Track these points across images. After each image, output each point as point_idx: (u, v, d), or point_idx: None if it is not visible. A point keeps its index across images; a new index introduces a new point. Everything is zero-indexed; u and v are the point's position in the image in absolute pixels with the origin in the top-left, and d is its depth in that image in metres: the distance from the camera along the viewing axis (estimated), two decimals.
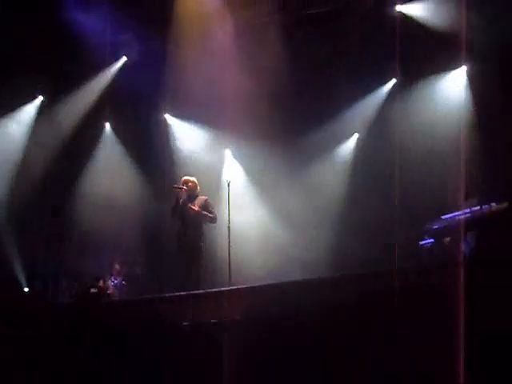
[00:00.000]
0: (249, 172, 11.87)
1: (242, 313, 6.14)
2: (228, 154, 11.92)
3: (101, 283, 10.32)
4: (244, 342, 5.86)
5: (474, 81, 10.51)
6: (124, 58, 11.59)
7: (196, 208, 8.61)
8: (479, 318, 5.20)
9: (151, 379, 6.27)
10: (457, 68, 10.73)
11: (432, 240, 9.14)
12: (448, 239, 9.00)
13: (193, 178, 8.98)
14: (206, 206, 8.74)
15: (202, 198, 8.82)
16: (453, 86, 10.82)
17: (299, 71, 11.75)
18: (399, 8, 10.70)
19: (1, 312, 7.39)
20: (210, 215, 8.69)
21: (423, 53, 10.56)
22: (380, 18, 10.99)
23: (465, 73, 10.69)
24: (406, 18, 10.61)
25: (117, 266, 10.72)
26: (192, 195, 8.80)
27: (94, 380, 6.48)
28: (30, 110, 11.78)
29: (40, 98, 11.78)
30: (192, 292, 6.97)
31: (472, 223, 8.41)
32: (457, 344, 5.00)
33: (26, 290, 10.76)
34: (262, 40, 11.01)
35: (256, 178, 11.71)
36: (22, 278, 10.80)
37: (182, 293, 7.04)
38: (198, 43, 11.19)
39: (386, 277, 6.17)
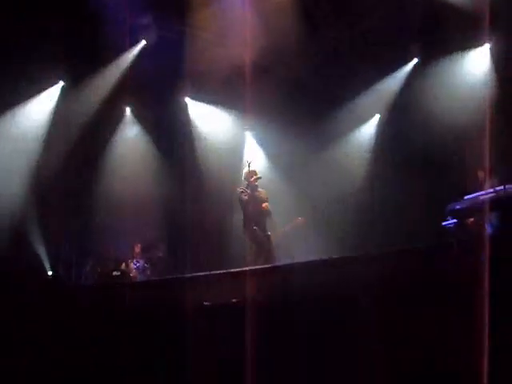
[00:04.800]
0: (269, 154, 11.84)
1: (263, 292, 6.11)
2: (248, 135, 11.91)
3: (123, 266, 10.39)
4: (265, 322, 5.84)
5: (497, 58, 10.36)
6: (143, 42, 11.52)
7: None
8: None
9: (171, 359, 6.29)
10: (480, 46, 10.57)
11: (455, 220, 9.02)
12: (471, 220, 8.91)
13: (251, 168, 8.89)
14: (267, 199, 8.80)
15: (263, 192, 8.84)
16: (476, 65, 10.68)
17: (319, 52, 11.68)
18: None
19: (25, 295, 7.43)
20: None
21: (445, 31, 10.40)
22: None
23: (488, 51, 10.53)
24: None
25: (137, 249, 10.76)
26: (255, 187, 8.76)
27: (115, 361, 6.50)
28: (50, 96, 11.78)
29: (60, 84, 11.76)
30: (212, 272, 6.96)
31: (496, 203, 8.28)
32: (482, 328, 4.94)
33: (50, 273, 10.86)
34: (281, 21, 10.90)
35: (276, 159, 11.69)
36: (46, 262, 10.91)
37: (201, 273, 7.04)
38: (217, 25, 11.14)
39: (409, 256, 6.10)
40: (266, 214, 8.72)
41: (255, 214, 8.64)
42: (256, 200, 8.68)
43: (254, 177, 8.75)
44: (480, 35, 10.23)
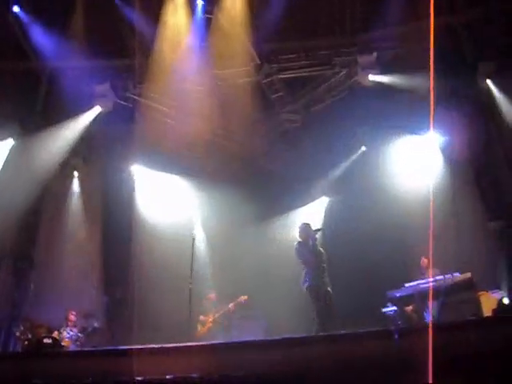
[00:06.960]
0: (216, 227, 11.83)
1: (199, 370, 5.94)
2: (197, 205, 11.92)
3: (55, 334, 9.96)
4: None
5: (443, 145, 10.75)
6: (98, 108, 11.50)
7: None
8: None
9: None
10: (426, 133, 10.87)
11: (394, 307, 9.06)
12: (410, 307, 8.97)
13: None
14: None
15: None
16: (423, 151, 10.98)
17: (272, 133, 11.91)
18: (372, 78, 10.87)
19: None
20: None
21: (394, 119, 10.73)
22: (352, 87, 11.23)
23: (436, 137, 10.84)
24: (376, 86, 10.80)
25: (72, 317, 10.37)
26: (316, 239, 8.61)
27: None
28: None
29: (10, 142, 11.59)
30: (146, 346, 6.73)
31: (435, 292, 8.36)
32: None
33: None
34: (235, 100, 11.11)
35: (225, 232, 11.62)
36: None
37: (134, 346, 6.78)
38: (173, 97, 11.31)
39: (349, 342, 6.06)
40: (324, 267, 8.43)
41: (317, 266, 8.38)
42: (319, 253, 8.50)
43: (314, 229, 8.61)
44: (425, 121, 10.62)
